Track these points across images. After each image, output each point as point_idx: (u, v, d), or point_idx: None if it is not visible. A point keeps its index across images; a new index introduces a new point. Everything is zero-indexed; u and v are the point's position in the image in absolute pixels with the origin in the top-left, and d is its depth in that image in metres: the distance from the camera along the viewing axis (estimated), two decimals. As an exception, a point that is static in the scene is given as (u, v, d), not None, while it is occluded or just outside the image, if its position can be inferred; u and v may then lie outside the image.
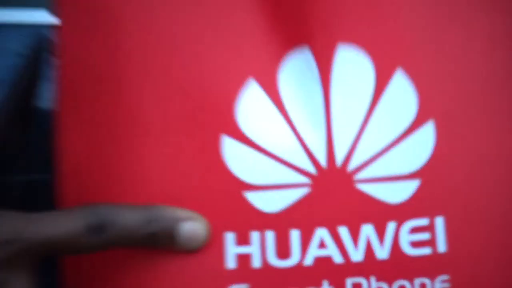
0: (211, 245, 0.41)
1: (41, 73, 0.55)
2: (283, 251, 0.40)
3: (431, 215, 0.41)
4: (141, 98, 0.41)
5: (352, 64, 0.41)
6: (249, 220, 0.41)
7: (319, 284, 0.40)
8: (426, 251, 0.41)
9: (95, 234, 0.40)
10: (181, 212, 0.41)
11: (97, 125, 0.42)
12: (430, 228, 0.41)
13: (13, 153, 0.54)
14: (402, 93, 0.41)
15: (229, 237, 0.41)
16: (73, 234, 0.40)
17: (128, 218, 0.41)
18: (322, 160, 0.41)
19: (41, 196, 0.53)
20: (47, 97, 0.54)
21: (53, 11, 0.43)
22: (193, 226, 0.41)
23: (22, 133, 0.52)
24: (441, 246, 0.41)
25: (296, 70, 0.41)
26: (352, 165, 0.41)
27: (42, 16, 0.58)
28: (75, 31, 0.42)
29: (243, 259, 0.41)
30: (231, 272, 0.41)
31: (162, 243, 0.41)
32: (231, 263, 0.41)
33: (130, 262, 0.42)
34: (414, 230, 0.41)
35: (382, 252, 0.40)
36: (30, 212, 0.40)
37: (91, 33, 0.42)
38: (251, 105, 0.41)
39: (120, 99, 0.42)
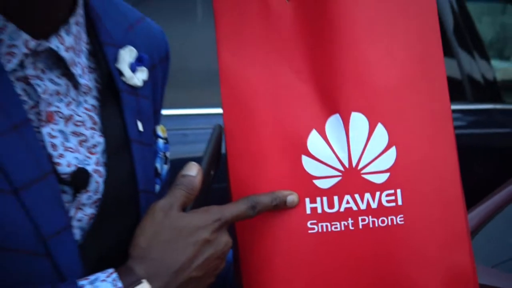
0: (299, 205, 0.92)
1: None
2: (331, 204, 0.92)
3: (395, 188, 0.92)
4: (259, 139, 0.92)
5: (358, 121, 0.92)
6: (316, 192, 0.92)
7: (347, 220, 0.91)
8: (392, 204, 0.91)
9: (251, 210, 0.91)
10: (287, 192, 0.93)
11: (244, 153, 0.93)
12: (394, 194, 0.91)
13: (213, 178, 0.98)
14: (381, 134, 0.92)
15: (307, 200, 0.92)
16: (243, 211, 0.90)
17: (266, 200, 0.92)
18: (346, 164, 0.92)
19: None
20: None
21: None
22: (293, 196, 0.93)
23: (217, 168, 0.98)
24: (399, 201, 0.91)
25: (333, 125, 0.92)
26: (360, 166, 0.92)
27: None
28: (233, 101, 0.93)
29: (313, 209, 0.92)
30: (308, 215, 0.92)
31: (280, 207, 0.92)
32: (307, 210, 0.92)
33: (264, 219, 0.93)
34: (388, 195, 0.92)
35: (373, 204, 0.91)
36: (223, 204, 0.90)
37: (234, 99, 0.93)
38: (314, 141, 0.92)
39: (252, 138, 0.93)
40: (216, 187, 0.98)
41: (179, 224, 0.88)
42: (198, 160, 0.92)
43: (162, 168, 1.00)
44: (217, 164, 0.97)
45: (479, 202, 2.08)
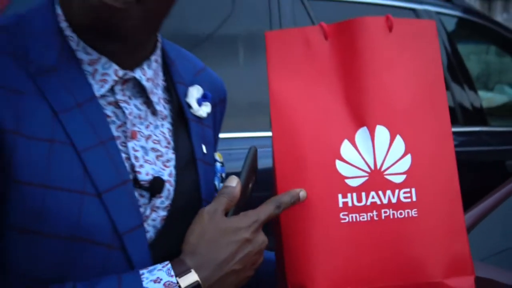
0: (333, 200, 1.14)
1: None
2: (359, 199, 1.14)
3: (411, 187, 1.14)
4: (302, 148, 1.15)
5: (382, 132, 1.14)
6: (347, 189, 1.14)
7: (372, 212, 1.13)
8: (408, 200, 1.14)
9: (277, 209, 1.09)
10: (298, 190, 1.12)
11: (288, 159, 1.15)
12: (410, 192, 1.13)
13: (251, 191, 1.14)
14: (399, 143, 1.15)
15: (340, 196, 1.14)
16: (272, 211, 1.07)
17: (286, 199, 1.11)
18: (372, 167, 1.14)
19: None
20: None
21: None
22: (303, 193, 1.12)
23: (254, 182, 1.15)
24: (414, 197, 1.14)
25: (361, 135, 1.15)
26: (383, 169, 1.14)
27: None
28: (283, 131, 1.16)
29: (345, 203, 1.14)
30: (341, 208, 1.14)
31: (296, 203, 1.11)
32: (340, 204, 1.13)
33: (303, 213, 1.14)
34: (405, 192, 1.14)
35: (393, 199, 1.14)
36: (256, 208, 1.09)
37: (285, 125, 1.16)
38: (346, 148, 1.14)
39: (296, 147, 1.15)
40: (254, 195, 1.18)
41: (222, 225, 1.04)
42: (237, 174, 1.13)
43: (219, 186, 1.19)
44: (254, 179, 1.14)
45: (469, 208, 2.32)
